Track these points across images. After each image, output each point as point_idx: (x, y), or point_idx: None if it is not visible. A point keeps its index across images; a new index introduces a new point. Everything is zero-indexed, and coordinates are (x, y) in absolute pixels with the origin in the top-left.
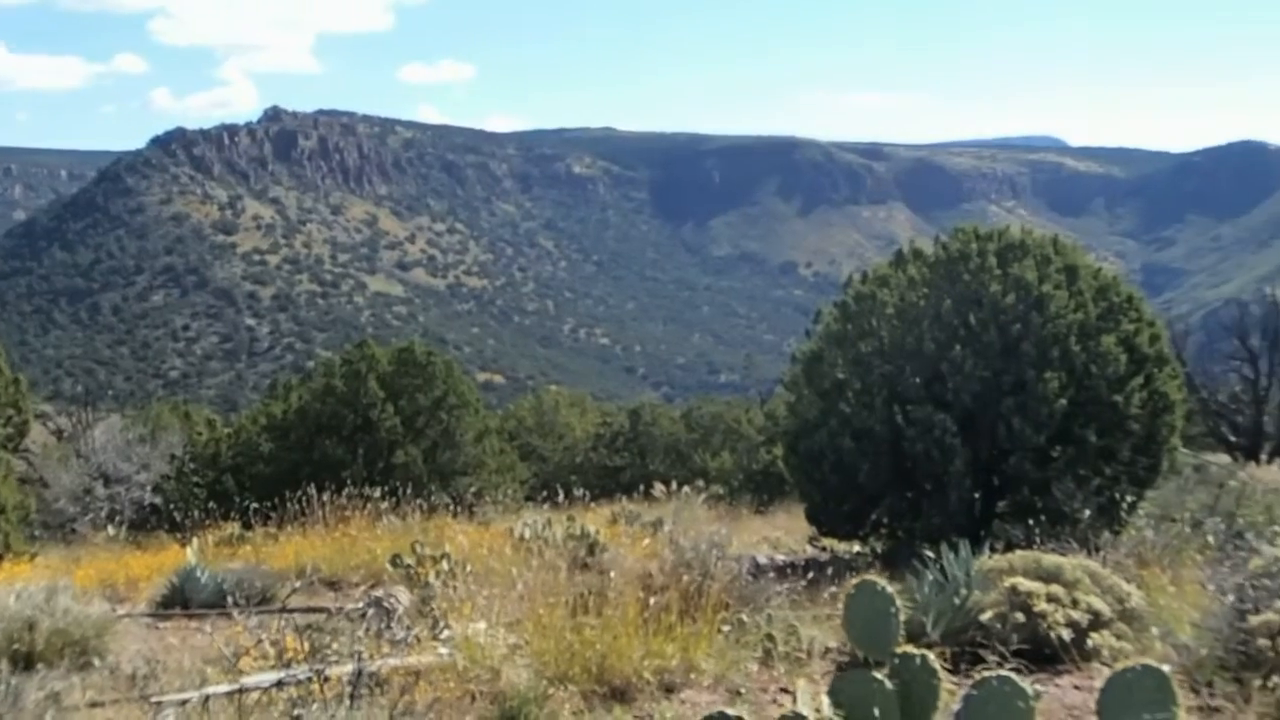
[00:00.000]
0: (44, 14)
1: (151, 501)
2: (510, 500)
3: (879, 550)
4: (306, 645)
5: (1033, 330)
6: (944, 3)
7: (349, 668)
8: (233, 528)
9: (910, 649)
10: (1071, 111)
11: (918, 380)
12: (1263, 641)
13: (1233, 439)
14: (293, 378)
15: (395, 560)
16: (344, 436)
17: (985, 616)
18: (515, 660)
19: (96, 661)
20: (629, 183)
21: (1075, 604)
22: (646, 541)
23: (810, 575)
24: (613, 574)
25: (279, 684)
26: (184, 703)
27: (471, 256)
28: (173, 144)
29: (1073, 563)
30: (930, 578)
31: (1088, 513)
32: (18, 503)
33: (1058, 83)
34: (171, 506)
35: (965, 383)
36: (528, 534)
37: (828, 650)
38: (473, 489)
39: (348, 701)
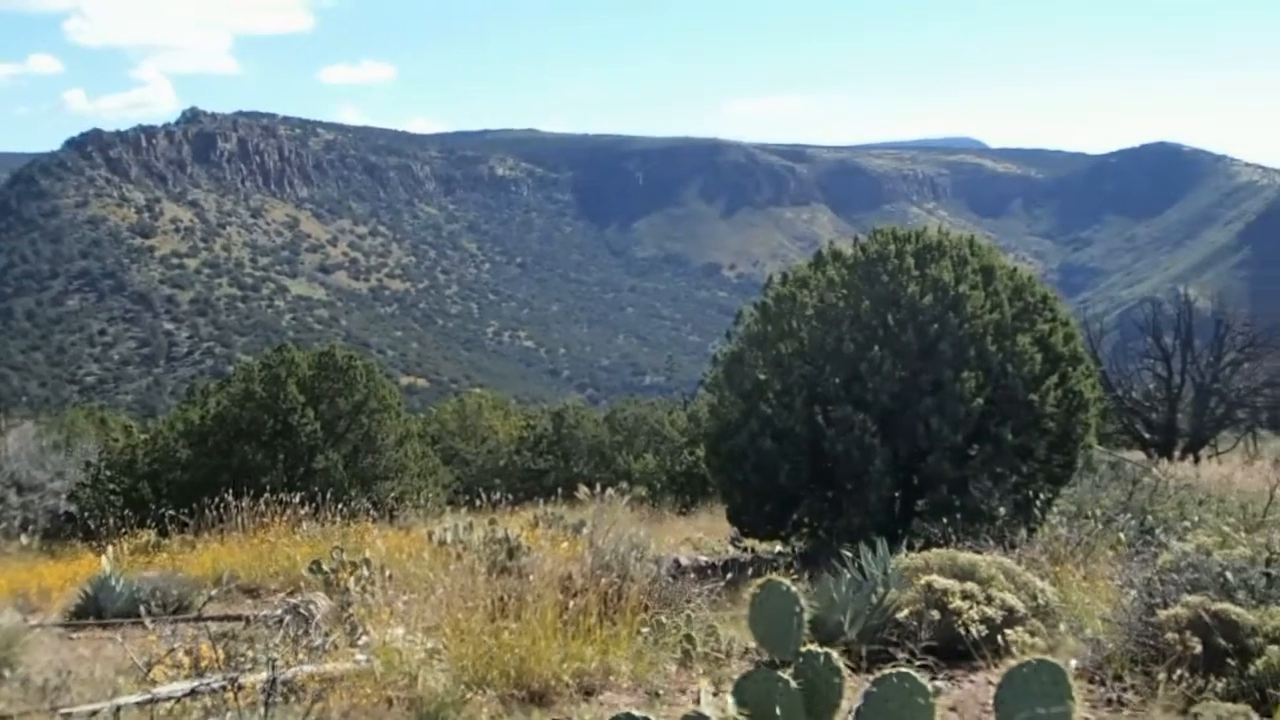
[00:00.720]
0: None
1: (66, 510)
2: (432, 504)
3: (800, 550)
4: (222, 653)
5: (950, 330)
6: (865, 5)
7: (264, 675)
8: (149, 535)
9: (814, 647)
10: (991, 113)
11: (837, 380)
12: (1170, 635)
13: (1147, 436)
14: (211, 383)
15: (314, 566)
16: (263, 442)
17: (902, 614)
18: (433, 665)
19: (6, 673)
20: (553, 184)
21: (990, 601)
22: (565, 545)
23: (730, 576)
24: (532, 577)
25: (192, 693)
26: (94, 714)
27: (394, 259)
28: (88, 146)
29: (988, 560)
30: (848, 577)
31: (1002, 510)
32: None
33: (977, 85)
34: (86, 514)
35: (884, 383)
36: (448, 538)
37: (747, 650)
38: (394, 494)
39: (262, 710)
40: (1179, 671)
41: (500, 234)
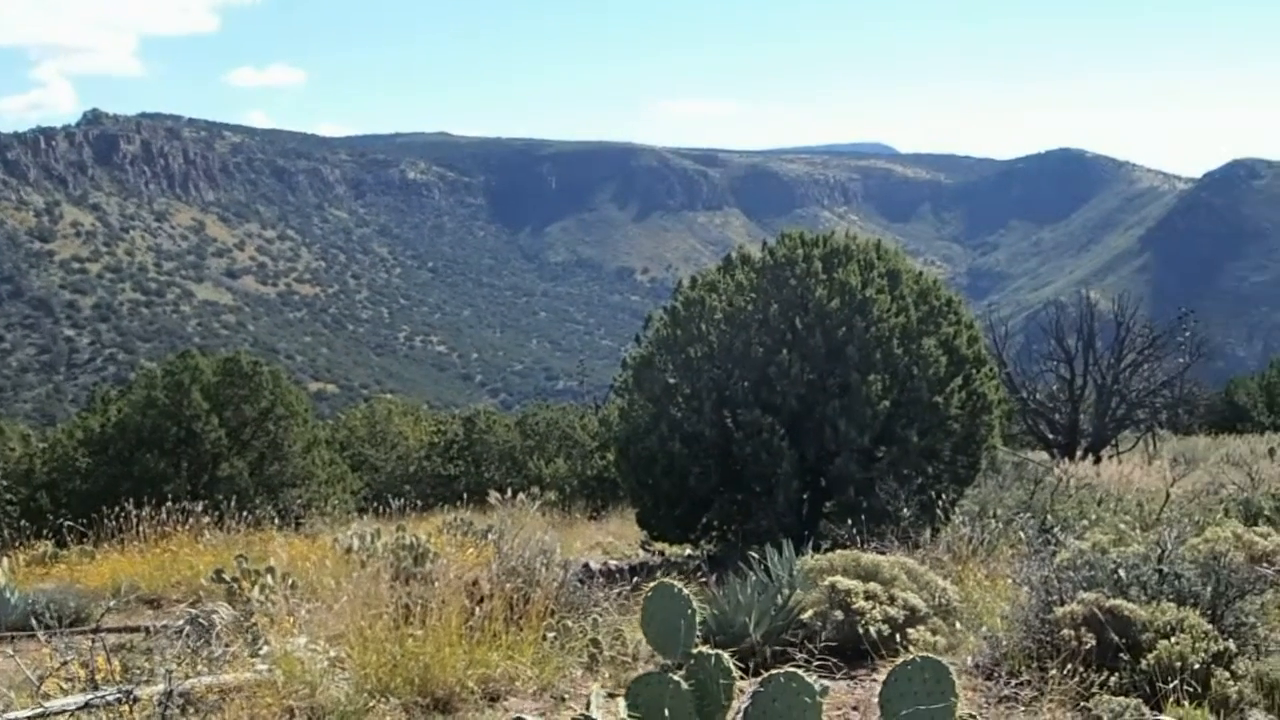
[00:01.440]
0: None
1: None
2: (340, 511)
3: (710, 553)
4: (119, 666)
5: (856, 334)
6: (777, 10)
7: (160, 688)
8: (46, 546)
9: (705, 649)
10: (900, 119)
11: (746, 384)
12: (1066, 631)
13: (1051, 437)
14: (113, 390)
15: (217, 576)
16: (166, 450)
17: (806, 615)
18: (335, 674)
19: None
20: (465, 188)
21: (892, 601)
22: (471, 551)
23: (639, 579)
24: (438, 583)
25: (86, 707)
26: None
27: (303, 264)
28: None
29: (891, 560)
30: (754, 579)
31: (906, 511)
32: None
33: (887, 90)
34: None
35: (792, 386)
36: (355, 545)
37: (654, 654)
38: (300, 501)
39: None
40: (1074, 667)
41: (412, 238)
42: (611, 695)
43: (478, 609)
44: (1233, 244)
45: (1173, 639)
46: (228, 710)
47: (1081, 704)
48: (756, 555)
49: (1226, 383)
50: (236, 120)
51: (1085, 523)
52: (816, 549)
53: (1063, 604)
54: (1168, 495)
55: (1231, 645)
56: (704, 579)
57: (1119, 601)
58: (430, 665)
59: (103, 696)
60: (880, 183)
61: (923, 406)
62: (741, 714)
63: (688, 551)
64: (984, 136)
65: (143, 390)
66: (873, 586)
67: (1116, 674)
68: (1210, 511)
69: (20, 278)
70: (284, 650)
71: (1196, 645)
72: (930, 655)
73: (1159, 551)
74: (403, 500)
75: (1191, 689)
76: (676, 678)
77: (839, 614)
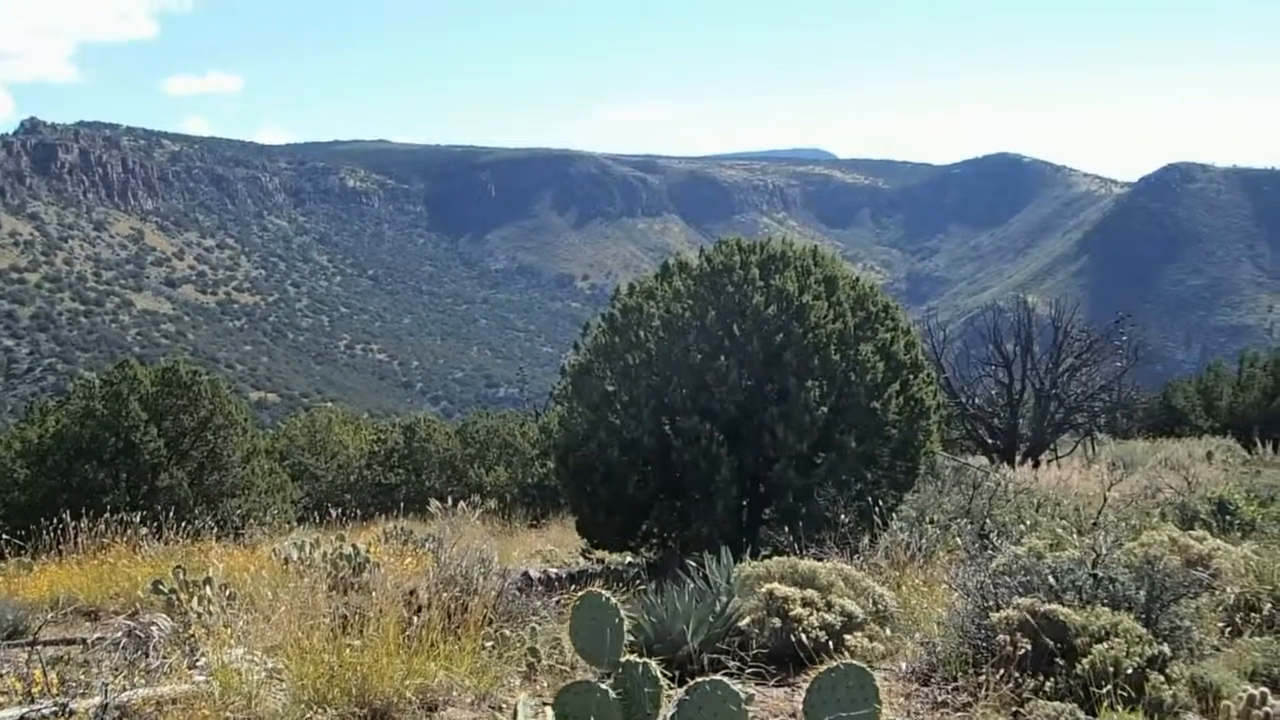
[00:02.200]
0: None
1: None
2: (280, 521)
3: (650, 560)
4: (55, 678)
5: (794, 340)
6: (715, 17)
7: (96, 700)
8: None
9: (633, 657)
10: (838, 125)
11: (685, 391)
12: (1002, 637)
13: (990, 441)
14: (51, 401)
15: (156, 587)
16: (105, 461)
17: (744, 623)
18: (273, 685)
19: None
20: (404, 196)
21: (829, 607)
22: (409, 560)
23: (578, 587)
24: (375, 593)
25: None
26: None
27: (243, 272)
28: None
29: (828, 567)
30: (691, 586)
31: (844, 517)
32: None
33: (825, 96)
34: None
35: (730, 393)
36: (294, 555)
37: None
38: (240, 511)
39: None
40: (1009, 672)
41: (351, 246)
42: (546, 704)
43: (415, 619)
44: (1169, 248)
45: (1107, 643)
46: None
47: (1015, 709)
48: (695, 563)
49: (1164, 386)
50: (175, 128)
51: (1023, 527)
52: (756, 556)
53: (998, 609)
54: (1105, 499)
55: (1166, 649)
56: (643, 586)
57: (1054, 606)
58: (368, 675)
59: (39, 710)
60: (819, 189)
61: (861, 412)
62: None
63: (628, 559)
64: (922, 142)
65: (81, 401)
66: (810, 593)
67: (1052, 679)
68: (1147, 515)
69: None
70: (221, 661)
71: (1131, 649)
72: (854, 662)
73: (1094, 556)
74: (343, 509)
75: (1126, 693)
76: (604, 686)
77: (776, 621)
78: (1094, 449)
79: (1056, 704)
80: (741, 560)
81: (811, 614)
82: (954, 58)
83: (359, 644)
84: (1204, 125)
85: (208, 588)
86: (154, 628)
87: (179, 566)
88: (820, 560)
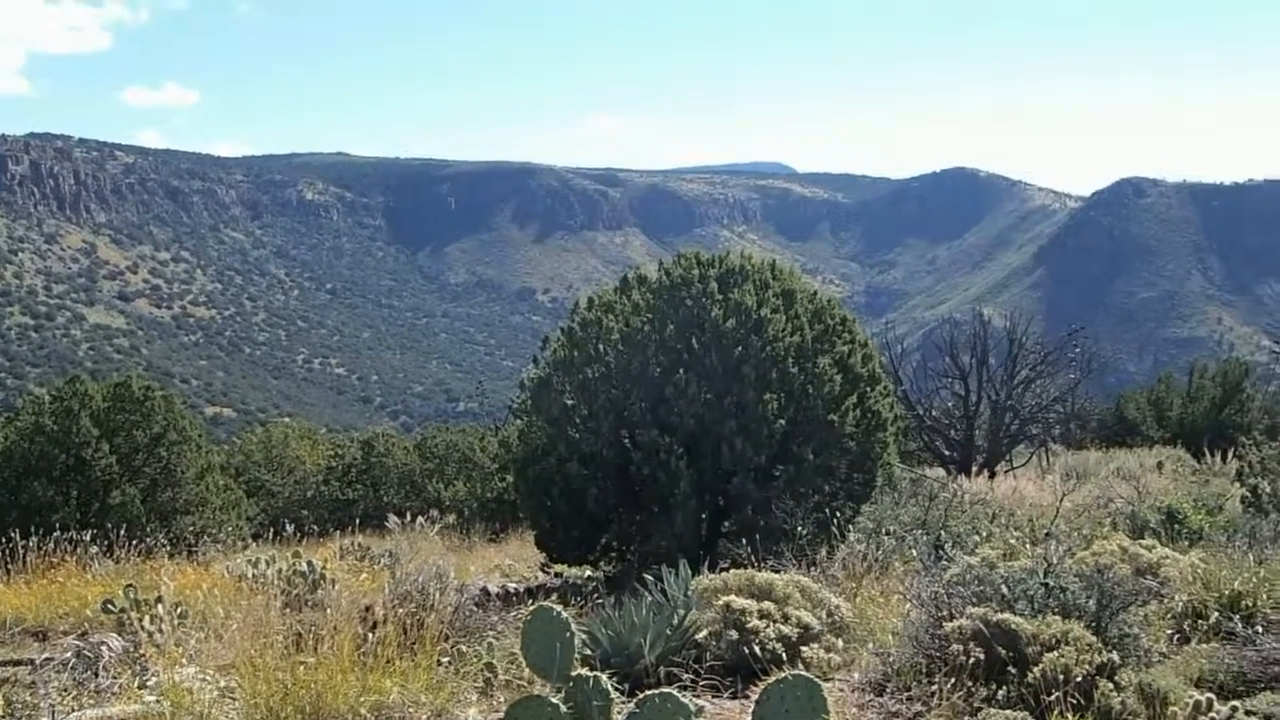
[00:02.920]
0: None
1: None
2: (235, 538)
3: (609, 574)
4: (2, 700)
5: (753, 353)
6: (676, 30)
7: None
8: None
9: (584, 671)
10: (799, 139)
11: (644, 404)
12: (955, 646)
13: (947, 453)
14: None
15: (107, 606)
16: (54, 478)
17: (701, 636)
18: (225, 704)
19: None
20: (363, 209)
21: (786, 619)
22: (364, 576)
23: (536, 602)
24: (330, 610)
25: None
26: None
27: (198, 286)
28: None
29: (785, 579)
30: (649, 599)
31: (802, 529)
32: None
33: (786, 110)
34: None
35: (689, 406)
36: (249, 572)
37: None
38: (194, 528)
39: None
40: (962, 681)
41: (309, 259)
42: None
43: (371, 635)
44: (1122, 261)
45: (1058, 652)
46: None
47: (967, 718)
48: (654, 576)
49: (1116, 397)
50: (129, 140)
51: (977, 538)
52: (715, 568)
53: (952, 619)
54: (1058, 510)
55: (1115, 656)
56: (601, 600)
57: (1006, 616)
58: (322, 693)
59: None
60: (779, 202)
61: (818, 425)
62: None
63: (587, 573)
64: (881, 156)
65: (30, 417)
66: (767, 605)
67: (1004, 688)
68: (1099, 525)
69: None
70: (172, 681)
71: (1080, 657)
72: (802, 673)
73: (1045, 566)
74: (299, 526)
75: (1076, 701)
76: (555, 700)
77: (733, 633)
78: (1048, 460)
79: (1009, 712)
80: (700, 573)
81: (768, 626)
82: (912, 72)
83: (313, 661)
84: (1156, 140)
85: (159, 606)
86: (104, 647)
87: (130, 585)
88: (778, 572)
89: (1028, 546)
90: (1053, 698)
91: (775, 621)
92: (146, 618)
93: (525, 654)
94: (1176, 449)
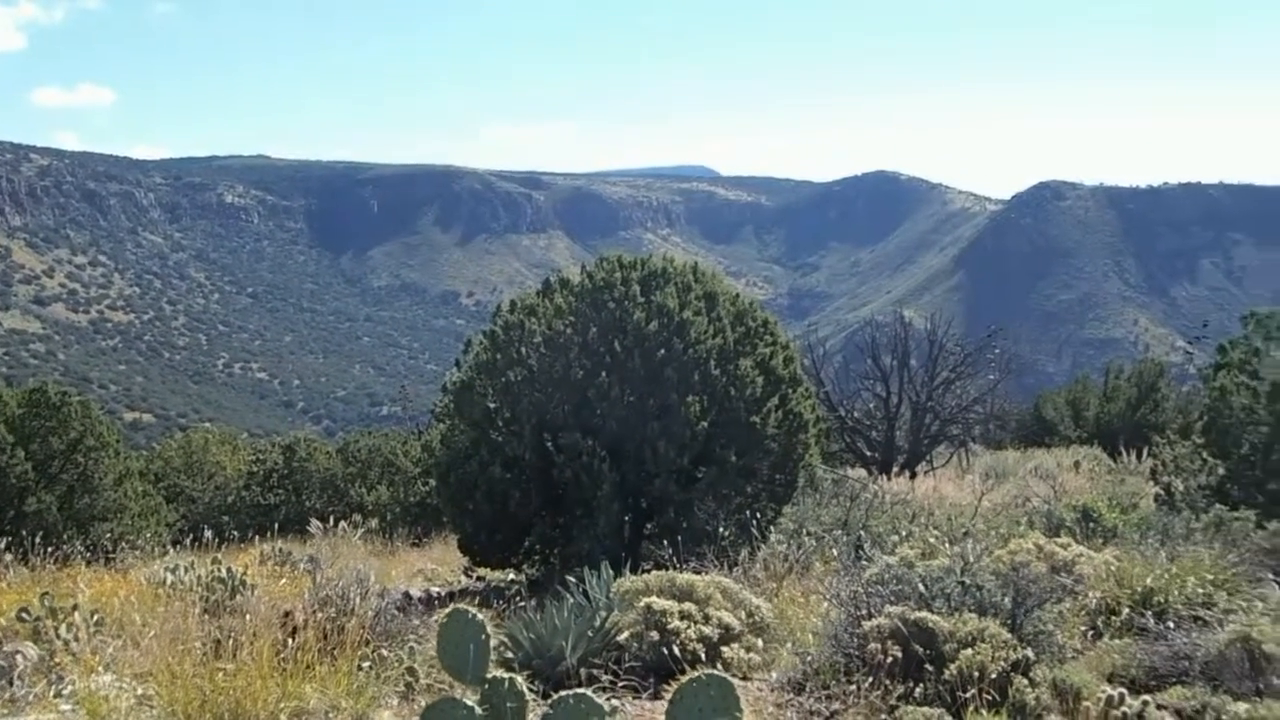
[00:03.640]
0: None
1: None
2: (154, 545)
3: (532, 577)
4: None
5: (675, 356)
6: (599, 34)
7: None
8: None
9: (499, 673)
10: (722, 142)
11: (566, 407)
12: (874, 645)
13: (868, 454)
14: None
15: (22, 614)
16: None
17: (623, 637)
18: (142, 712)
19: None
20: (285, 212)
21: (707, 620)
22: (284, 582)
23: (459, 605)
24: (249, 616)
25: None
26: None
27: (116, 290)
28: None
29: (706, 580)
30: (571, 602)
31: (724, 531)
32: None
33: (708, 114)
34: None
35: (612, 408)
36: (168, 579)
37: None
38: (112, 535)
39: None
40: (880, 679)
41: (230, 263)
42: None
43: (291, 640)
44: (1041, 263)
45: (974, 649)
46: None
47: (884, 716)
48: (576, 579)
49: (1035, 398)
50: (44, 141)
51: (897, 538)
52: (637, 571)
53: (871, 618)
54: (976, 509)
55: (1030, 653)
56: (524, 603)
57: (923, 614)
58: (241, 700)
59: None
60: (703, 205)
61: (741, 426)
62: None
63: (510, 576)
64: (803, 159)
65: None
66: (688, 606)
67: (922, 685)
68: (1016, 524)
69: None
70: (88, 689)
71: (996, 654)
72: (715, 672)
73: (962, 564)
74: (221, 531)
75: (991, 697)
76: (470, 703)
77: (655, 634)
78: (968, 460)
79: (926, 709)
80: (623, 575)
81: (689, 627)
82: (834, 77)
83: (232, 668)
84: (1074, 143)
85: (75, 614)
86: (19, 656)
87: (46, 593)
88: (700, 574)
89: (946, 546)
90: (969, 694)
91: (696, 622)
92: (63, 626)
93: (441, 657)
94: (1093, 448)
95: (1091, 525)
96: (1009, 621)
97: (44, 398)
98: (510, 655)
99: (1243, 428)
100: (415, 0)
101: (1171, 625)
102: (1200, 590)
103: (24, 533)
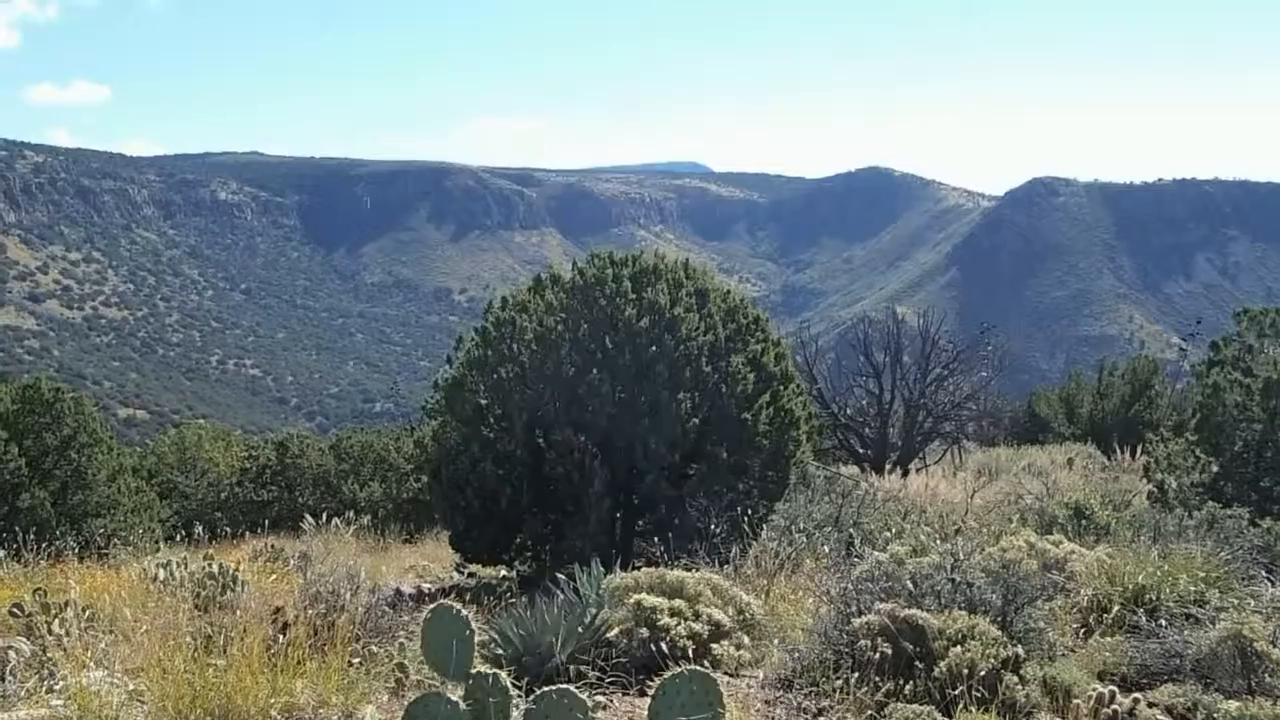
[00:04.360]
0: None
1: None
2: (147, 541)
3: (523, 573)
4: None
5: (666, 352)
6: (591, 29)
7: None
8: None
9: (484, 668)
10: (715, 138)
11: (557, 404)
12: (863, 642)
13: (861, 451)
14: None
15: (15, 610)
16: None
17: (613, 634)
18: (133, 707)
19: None
20: (278, 209)
21: (697, 616)
22: (273, 578)
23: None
24: (239, 611)
25: None
26: None
27: (110, 287)
28: None
29: (696, 577)
30: (561, 598)
31: (714, 527)
32: None
33: (701, 110)
34: None
35: (603, 405)
36: (160, 575)
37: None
38: (105, 530)
39: None
40: (869, 676)
41: (223, 259)
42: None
43: (282, 637)
44: (1035, 260)
45: (963, 646)
46: None
47: (870, 713)
48: (567, 575)
49: (1029, 395)
50: (38, 139)
51: (888, 535)
52: (628, 567)
53: (861, 615)
54: (968, 506)
55: (1020, 650)
56: (514, 600)
57: (913, 611)
58: (232, 695)
59: None
60: (695, 201)
61: (732, 423)
62: None
63: (502, 573)
64: (796, 156)
65: None
66: (678, 603)
67: (911, 682)
68: (1008, 521)
69: None
70: (79, 684)
71: (986, 652)
72: (697, 668)
73: (952, 561)
74: (213, 528)
75: (981, 694)
76: (454, 698)
77: (644, 631)
78: (961, 457)
79: (915, 706)
80: (614, 572)
81: (679, 623)
82: (827, 72)
83: (223, 663)
84: (1067, 138)
85: (68, 610)
86: (11, 652)
87: (39, 589)
88: (691, 570)
89: (937, 543)
90: (958, 691)
91: (686, 619)
92: (55, 621)
93: (425, 653)
94: (1087, 446)
95: (1084, 523)
96: (999, 619)
97: (37, 394)
98: (500, 652)
99: (1236, 425)
100: None
101: (1163, 623)
102: (1192, 588)
103: (17, 528)
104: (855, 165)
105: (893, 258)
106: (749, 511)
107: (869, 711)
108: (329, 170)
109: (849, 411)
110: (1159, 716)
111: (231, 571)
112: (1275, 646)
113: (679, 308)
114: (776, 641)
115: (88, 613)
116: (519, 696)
